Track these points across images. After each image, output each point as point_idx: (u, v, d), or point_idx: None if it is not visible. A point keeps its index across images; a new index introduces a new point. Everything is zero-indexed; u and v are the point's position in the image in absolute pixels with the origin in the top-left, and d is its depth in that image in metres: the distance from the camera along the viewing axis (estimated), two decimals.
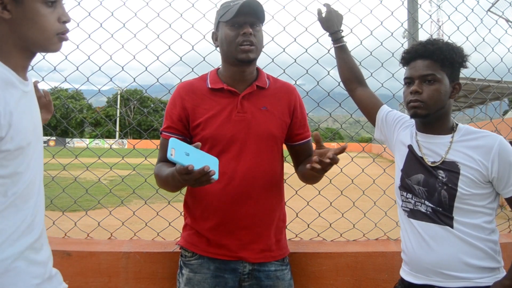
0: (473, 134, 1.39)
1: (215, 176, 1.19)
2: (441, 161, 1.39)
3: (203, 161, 1.18)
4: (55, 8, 1.05)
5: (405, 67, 1.48)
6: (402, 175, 1.48)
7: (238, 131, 1.47)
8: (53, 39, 1.06)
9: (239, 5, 1.42)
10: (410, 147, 1.49)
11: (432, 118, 1.41)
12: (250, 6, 1.42)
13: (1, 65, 1.01)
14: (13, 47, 1.03)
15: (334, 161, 1.26)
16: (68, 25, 1.08)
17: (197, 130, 1.49)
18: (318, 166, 1.25)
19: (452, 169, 1.36)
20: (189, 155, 1.17)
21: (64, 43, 1.11)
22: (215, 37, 1.55)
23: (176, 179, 1.25)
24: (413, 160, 1.46)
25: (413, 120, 1.54)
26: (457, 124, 1.45)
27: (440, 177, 1.37)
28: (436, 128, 1.43)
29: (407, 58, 1.46)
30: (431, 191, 1.38)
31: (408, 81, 1.44)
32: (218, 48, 1.56)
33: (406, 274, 1.47)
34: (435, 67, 1.38)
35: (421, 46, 1.42)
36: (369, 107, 1.70)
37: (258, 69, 1.61)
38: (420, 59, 1.41)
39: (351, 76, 1.76)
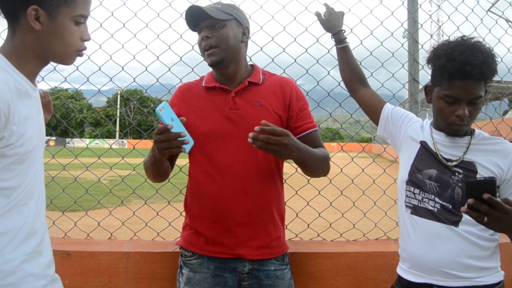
0: (489, 140, 1.43)
1: (187, 147, 1.28)
2: (459, 161, 1.40)
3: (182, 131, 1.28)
4: (80, 26, 1.08)
5: (444, 80, 1.34)
6: (411, 170, 1.47)
7: (231, 128, 1.47)
8: (73, 55, 1.10)
9: (185, 16, 1.49)
10: (423, 143, 1.49)
11: None
12: (193, 13, 1.47)
13: (18, 74, 1.02)
14: (32, 56, 1.06)
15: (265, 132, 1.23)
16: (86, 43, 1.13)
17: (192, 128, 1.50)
18: (250, 140, 1.23)
19: (469, 167, 1.38)
20: (173, 121, 1.26)
21: None
22: None
23: (152, 148, 1.27)
24: (426, 155, 1.46)
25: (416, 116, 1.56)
26: (473, 129, 1.46)
27: (457, 174, 1.38)
28: None
29: (457, 77, 1.31)
30: (444, 187, 1.39)
31: (452, 100, 1.35)
32: None
33: (404, 272, 1.46)
34: (483, 87, 1.35)
35: (477, 69, 1.29)
36: (372, 106, 1.70)
37: (253, 66, 1.62)
38: (471, 81, 1.31)
39: (353, 76, 1.75)
